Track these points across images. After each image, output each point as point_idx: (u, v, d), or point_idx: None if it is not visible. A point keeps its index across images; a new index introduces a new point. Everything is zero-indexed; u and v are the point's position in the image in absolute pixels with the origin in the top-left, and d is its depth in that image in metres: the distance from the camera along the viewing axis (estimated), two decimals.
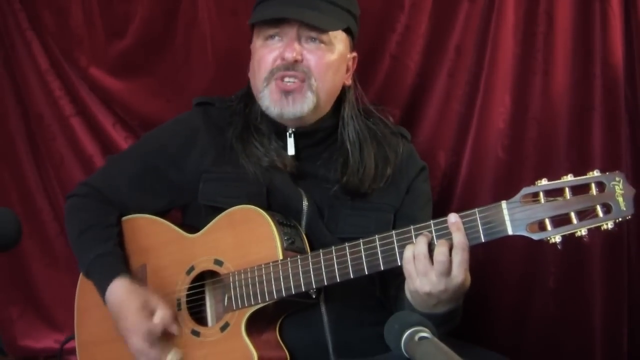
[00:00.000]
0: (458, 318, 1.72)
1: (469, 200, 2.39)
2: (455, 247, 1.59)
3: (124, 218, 1.99)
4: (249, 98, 1.96)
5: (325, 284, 1.72)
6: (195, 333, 1.84)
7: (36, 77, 2.60)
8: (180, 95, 2.53)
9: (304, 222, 1.87)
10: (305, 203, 1.87)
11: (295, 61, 1.81)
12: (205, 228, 1.87)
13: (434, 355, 1.19)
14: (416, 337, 1.25)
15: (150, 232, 1.95)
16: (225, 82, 2.47)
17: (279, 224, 1.79)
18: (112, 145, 2.57)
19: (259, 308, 1.77)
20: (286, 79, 1.82)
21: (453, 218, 1.60)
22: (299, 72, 1.82)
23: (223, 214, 1.84)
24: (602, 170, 1.51)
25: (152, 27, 2.53)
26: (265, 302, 1.76)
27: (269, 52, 1.85)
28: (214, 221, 1.86)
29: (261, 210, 1.79)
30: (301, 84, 1.82)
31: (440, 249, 1.58)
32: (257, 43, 1.88)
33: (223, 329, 1.80)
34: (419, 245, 1.61)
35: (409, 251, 1.62)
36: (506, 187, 2.36)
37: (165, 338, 1.82)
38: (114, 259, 1.90)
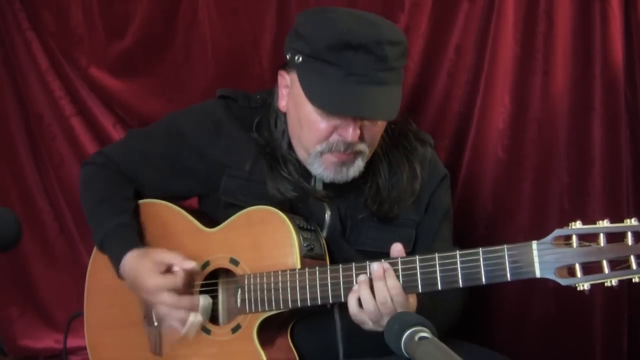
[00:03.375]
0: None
1: (469, 200, 2.40)
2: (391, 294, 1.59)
3: (140, 201, 1.96)
4: (272, 118, 1.86)
5: (343, 300, 1.67)
6: (206, 330, 1.83)
7: (36, 77, 2.60)
8: (181, 95, 2.53)
9: (325, 233, 1.82)
10: (328, 213, 1.83)
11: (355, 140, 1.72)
12: (223, 224, 1.84)
13: (434, 355, 1.19)
14: (416, 337, 1.24)
15: (167, 220, 1.93)
16: (226, 82, 2.47)
17: (299, 228, 1.74)
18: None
19: (272, 314, 1.75)
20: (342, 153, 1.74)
21: (377, 266, 1.60)
22: (356, 149, 1.74)
23: (242, 212, 1.81)
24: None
25: (152, 27, 2.53)
26: (280, 310, 1.74)
27: (323, 122, 1.71)
28: (231, 218, 1.83)
29: (281, 213, 1.75)
30: (356, 155, 1.75)
31: (382, 299, 1.59)
32: (308, 107, 1.72)
33: (234, 330, 1.79)
34: (364, 292, 1.61)
35: (352, 300, 1.63)
36: (506, 187, 2.37)
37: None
38: (129, 231, 1.87)
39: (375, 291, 1.60)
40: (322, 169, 1.76)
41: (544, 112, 2.32)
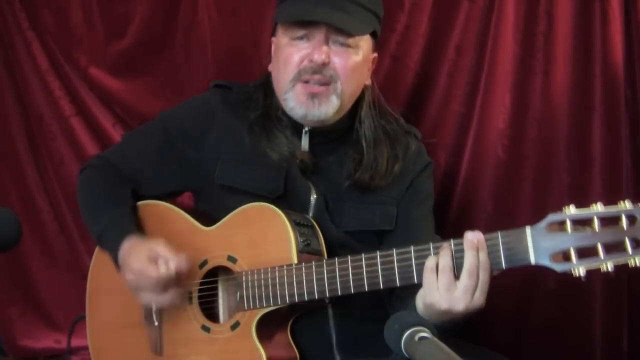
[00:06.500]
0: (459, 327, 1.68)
1: (469, 200, 2.40)
2: (480, 267, 1.53)
3: (139, 203, 1.97)
4: (268, 89, 1.95)
5: (339, 294, 1.68)
6: (206, 329, 1.84)
7: (36, 77, 2.60)
8: (180, 95, 2.52)
9: (310, 215, 1.86)
10: (313, 196, 1.87)
11: (323, 64, 1.80)
12: (220, 222, 1.86)
13: (434, 355, 1.19)
14: (416, 337, 1.25)
15: (165, 220, 1.94)
16: None
17: (296, 224, 1.76)
18: (112, 145, 2.58)
19: (271, 310, 1.76)
20: (312, 82, 1.81)
21: (471, 235, 1.54)
22: (326, 77, 1.81)
23: (238, 209, 1.83)
24: (634, 202, 1.41)
25: (152, 27, 2.53)
26: (278, 306, 1.74)
27: (296, 52, 1.82)
28: (228, 216, 1.84)
29: (277, 210, 1.77)
30: (327, 88, 1.81)
31: (471, 267, 1.53)
32: (283, 41, 1.85)
33: (233, 327, 1.80)
34: (445, 259, 1.54)
35: (431, 261, 1.56)
36: (506, 187, 2.37)
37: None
38: (126, 220, 1.88)
39: (465, 260, 1.53)
40: (295, 102, 1.83)
41: (544, 112, 2.32)
